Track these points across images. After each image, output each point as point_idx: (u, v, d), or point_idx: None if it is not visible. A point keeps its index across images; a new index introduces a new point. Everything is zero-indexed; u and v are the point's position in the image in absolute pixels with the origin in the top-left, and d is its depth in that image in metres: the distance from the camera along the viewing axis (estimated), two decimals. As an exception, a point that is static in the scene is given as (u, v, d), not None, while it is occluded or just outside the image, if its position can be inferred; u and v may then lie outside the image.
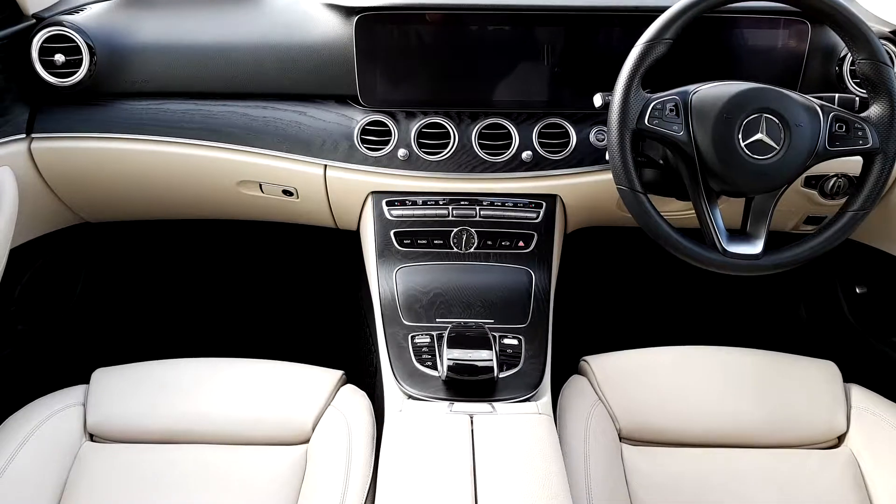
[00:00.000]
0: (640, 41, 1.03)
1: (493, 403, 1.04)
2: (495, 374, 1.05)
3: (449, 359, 1.05)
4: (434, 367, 1.10)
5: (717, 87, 1.06)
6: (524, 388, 1.09)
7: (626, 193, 1.06)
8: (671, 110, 1.05)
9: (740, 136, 1.03)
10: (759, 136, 1.03)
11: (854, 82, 1.22)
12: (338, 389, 1.19)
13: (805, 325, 1.88)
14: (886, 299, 1.62)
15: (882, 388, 1.23)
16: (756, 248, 1.06)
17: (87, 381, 1.19)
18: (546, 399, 1.10)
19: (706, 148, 1.04)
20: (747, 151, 1.03)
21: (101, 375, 1.20)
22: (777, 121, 1.03)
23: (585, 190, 1.29)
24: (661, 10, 1.04)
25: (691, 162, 1.06)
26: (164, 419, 1.13)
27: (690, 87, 1.08)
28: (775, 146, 1.03)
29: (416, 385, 1.09)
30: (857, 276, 1.69)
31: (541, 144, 1.26)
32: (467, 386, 1.06)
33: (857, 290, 1.67)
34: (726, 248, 1.05)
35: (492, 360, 1.05)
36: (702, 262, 1.06)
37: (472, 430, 0.97)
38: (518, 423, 0.99)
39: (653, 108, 1.04)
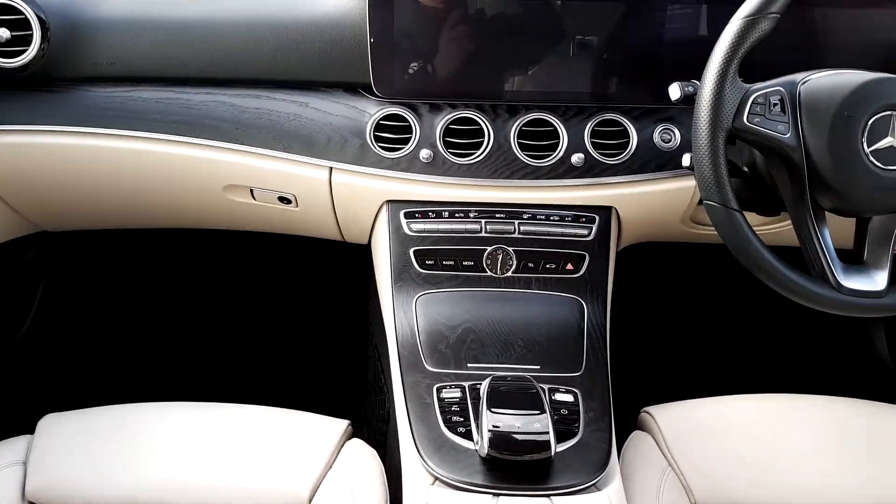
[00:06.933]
0: (739, 15, 0.82)
1: (553, 497, 0.83)
2: (552, 450, 0.82)
3: (492, 427, 0.82)
4: (468, 436, 0.88)
5: (833, 77, 0.85)
6: (588, 470, 0.87)
7: (717, 211, 0.84)
8: (775, 104, 0.83)
9: (865, 140, 0.83)
10: (889, 140, 0.83)
11: None
12: (342, 445, 1.00)
13: (889, 362, 1.65)
14: None
15: None
16: (879, 282, 0.86)
17: (31, 430, 1.00)
18: (616, 483, 0.88)
19: (820, 155, 0.83)
20: (873, 160, 0.83)
21: (49, 423, 1.00)
22: None
23: (647, 201, 1.09)
24: None
25: (797, 172, 0.86)
26: (124, 486, 0.93)
27: (798, 76, 0.87)
28: None
29: (446, 462, 0.87)
30: None
31: (594, 145, 1.05)
32: (515, 467, 0.84)
33: None
34: (842, 282, 0.85)
35: (548, 430, 0.82)
36: (811, 301, 0.86)
37: None
38: None
39: (753, 101, 0.83)
